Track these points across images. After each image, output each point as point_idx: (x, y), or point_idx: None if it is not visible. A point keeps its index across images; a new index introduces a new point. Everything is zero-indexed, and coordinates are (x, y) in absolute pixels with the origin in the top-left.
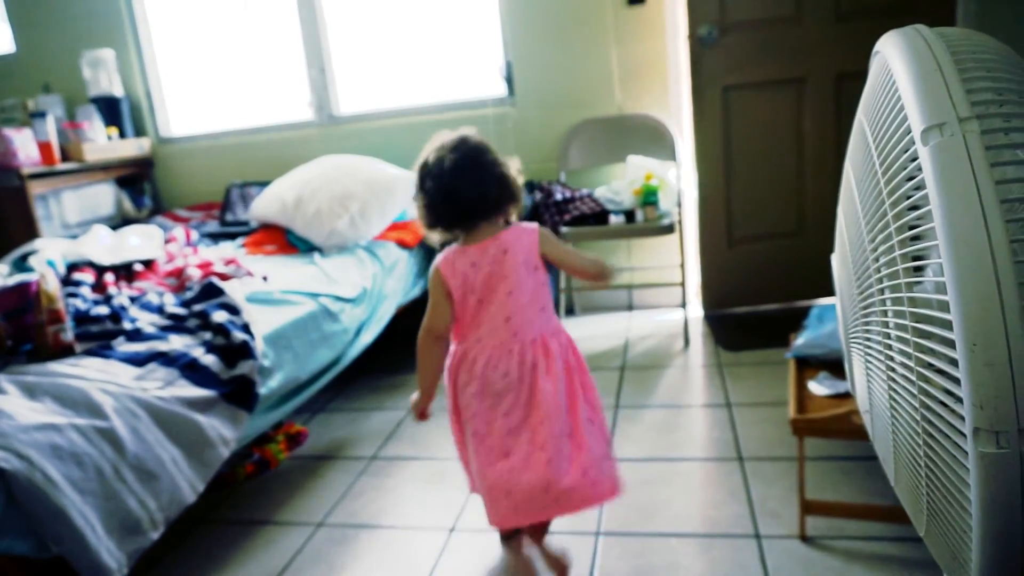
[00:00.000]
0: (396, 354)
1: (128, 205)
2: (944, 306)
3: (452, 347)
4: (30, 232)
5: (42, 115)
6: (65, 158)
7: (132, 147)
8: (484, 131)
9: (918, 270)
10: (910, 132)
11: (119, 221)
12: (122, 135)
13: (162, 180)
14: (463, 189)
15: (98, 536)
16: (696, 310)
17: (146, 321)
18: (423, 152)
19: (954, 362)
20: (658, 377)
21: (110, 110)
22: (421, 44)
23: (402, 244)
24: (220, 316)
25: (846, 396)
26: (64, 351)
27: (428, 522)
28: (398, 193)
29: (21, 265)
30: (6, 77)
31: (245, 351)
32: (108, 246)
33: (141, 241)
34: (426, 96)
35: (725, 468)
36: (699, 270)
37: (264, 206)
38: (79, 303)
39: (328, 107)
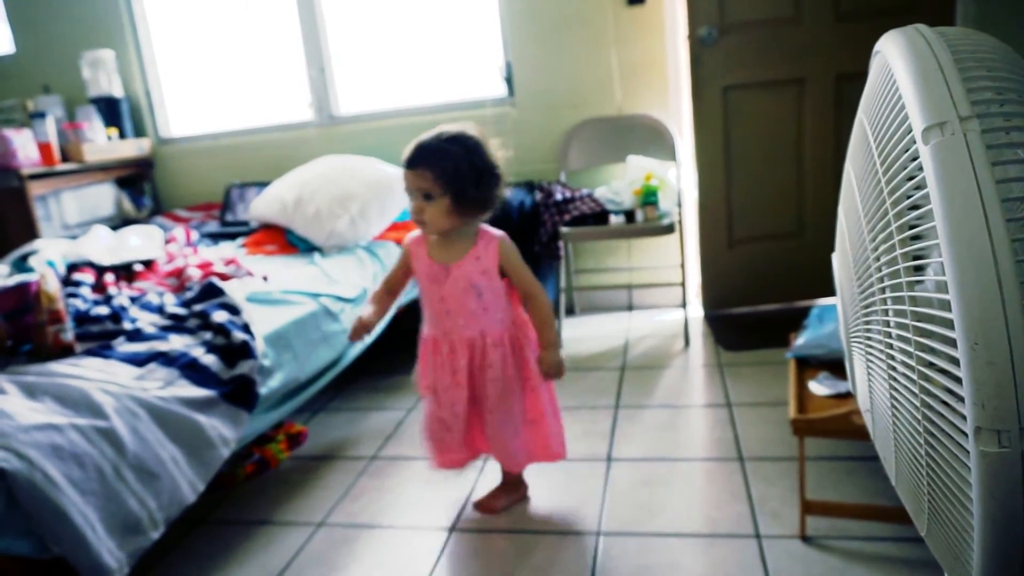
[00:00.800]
0: (396, 355)
1: (128, 205)
2: (945, 305)
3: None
4: (30, 233)
5: (42, 116)
6: (65, 159)
7: (132, 147)
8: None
9: (919, 269)
10: (911, 131)
11: (119, 221)
12: (122, 135)
13: (162, 180)
14: (415, 162)
15: (98, 536)
16: (696, 310)
17: (146, 321)
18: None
19: (955, 361)
20: (658, 377)
21: (110, 111)
22: (421, 44)
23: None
24: (220, 316)
25: (846, 396)
26: (64, 351)
27: (428, 522)
28: (398, 193)
29: (21, 265)
30: (6, 78)
31: (245, 351)
32: (108, 246)
33: (141, 241)
34: (426, 96)
35: (725, 468)
36: (699, 270)
37: (264, 206)
38: (79, 303)
39: (328, 107)
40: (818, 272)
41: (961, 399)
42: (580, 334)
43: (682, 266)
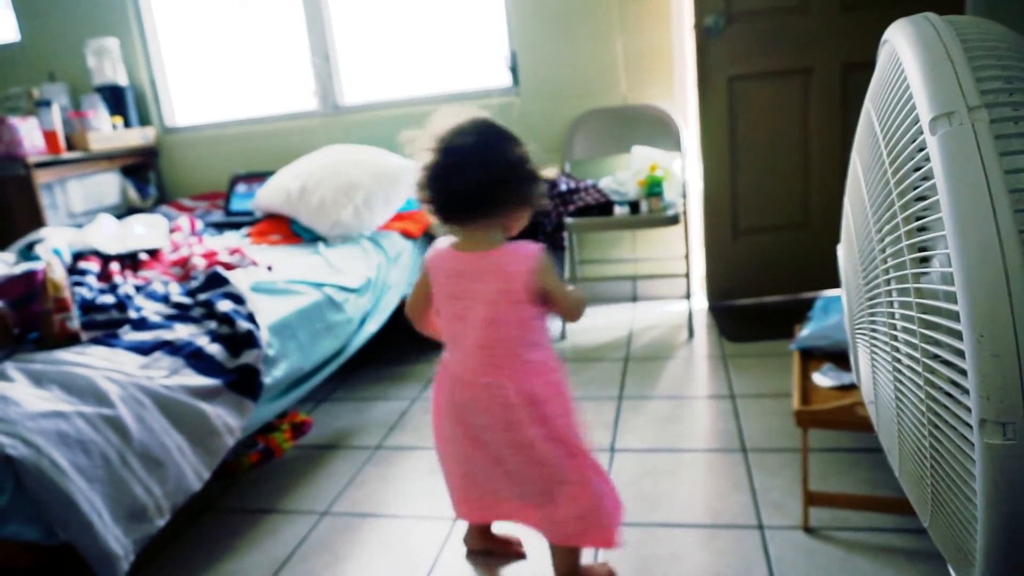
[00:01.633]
0: (400, 344)
1: (133, 194)
2: (951, 297)
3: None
4: (36, 221)
5: (47, 104)
6: (70, 147)
7: (137, 136)
8: None
9: (925, 261)
10: (918, 121)
11: (124, 210)
12: (127, 124)
13: (167, 169)
14: (460, 175)
15: (105, 523)
16: (700, 301)
17: (151, 310)
18: (433, 126)
19: (960, 353)
20: (662, 368)
21: (115, 99)
22: (426, 33)
23: (406, 234)
24: (225, 305)
25: (850, 388)
26: (70, 339)
27: (432, 511)
28: (402, 183)
29: (27, 254)
30: (11, 66)
31: (250, 340)
32: (113, 235)
33: (146, 230)
34: (431, 86)
35: (729, 459)
36: (704, 261)
37: (269, 196)
38: (85, 292)
39: (332, 97)
40: (823, 263)
41: (966, 391)
42: (584, 325)
43: (686, 257)
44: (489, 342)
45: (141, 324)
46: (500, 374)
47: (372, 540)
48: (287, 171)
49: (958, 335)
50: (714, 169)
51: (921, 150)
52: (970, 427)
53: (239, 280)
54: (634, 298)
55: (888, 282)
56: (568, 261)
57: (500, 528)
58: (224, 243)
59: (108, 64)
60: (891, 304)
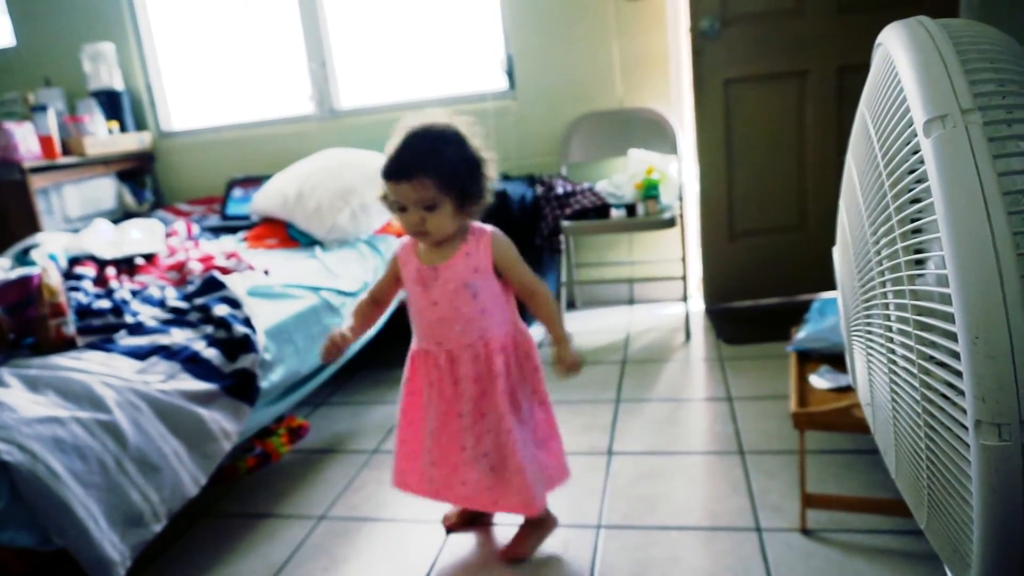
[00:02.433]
0: (397, 348)
1: (129, 199)
2: (946, 299)
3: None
4: (31, 226)
5: (43, 109)
6: (66, 152)
7: (133, 141)
8: (485, 125)
9: (920, 263)
10: (912, 124)
11: (120, 215)
12: (123, 129)
13: (163, 174)
14: (409, 173)
15: (101, 529)
16: (697, 304)
17: (148, 315)
18: (397, 127)
19: (956, 355)
20: (659, 371)
21: (111, 104)
22: (422, 38)
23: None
24: (221, 310)
25: (847, 390)
26: (66, 344)
27: (429, 515)
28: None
29: (23, 259)
30: (6, 71)
31: (246, 345)
32: (109, 240)
33: (142, 235)
34: (427, 90)
35: (726, 461)
36: (700, 264)
37: (265, 200)
38: (81, 297)
39: (329, 101)
40: (819, 266)
41: (961, 393)
42: (581, 328)
43: (683, 260)
44: (465, 308)
45: (137, 329)
46: (478, 331)
47: (369, 544)
48: (284, 175)
49: (953, 337)
50: (710, 172)
51: (915, 152)
52: (966, 429)
53: (236, 284)
54: (631, 301)
55: (883, 284)
56: (565, 264)
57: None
58: (220, 247)
59: (104, 69)
60: (887, 306)
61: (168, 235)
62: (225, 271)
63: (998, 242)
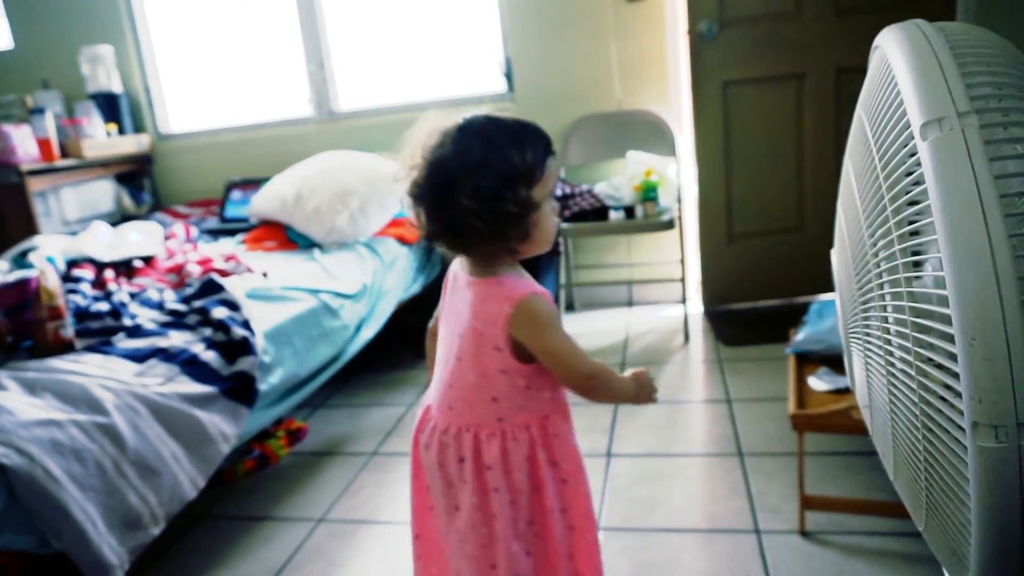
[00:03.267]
0: (396, 350)
1: (127, 201)
2: (943, 301)
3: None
4: (29, 229)
5: (41, 111)
6: (64, 154)
7: (131, 143)
8: None
9: (917, 265)
10: (909, 127)
11: (119, 218)
12: (121, 131)
13: (161, 176)
14: (440, 202)
15: (99, 532)
16: (696, 306)
17: (146, 317)
18: (417, 133)
19: (953, 357)
20: (658, 373)
21: (109, 106)
22: (421, 40)
23: (402, 240)
24: (220, 312)
25: (845, 392)
26: (64, 347)
27: None
28: (397, 189)
29: (21, 262)
30: (4, 73)
31: (245, 347)
32: (108, 243)
33: (141, 237)
34: (426, 92)
35: (725, 464)
36: (699, 266)
37: (264, 202)
38: (79, 299)
39: (327, 103)
40: (818, 267)
41: (959, 394)
42: (580, 330)
43: (682, 262)
44: (454, 382)
45: (136, 331)
46: (459, 422)
47: (368, 547)
48: (282, 177)
49: (950, 339)
50: (709, 174)
51: (912, 155)
52: (963, 430)
53: (234, 287)
54: (630, 303)
55: (881, 286)
56: (564, 267)
57: None
58: (219, 250)
59: (102, 71)
60: (884, 308)
61: (166, 237)
62: (224, 273)
63: (995, 244)
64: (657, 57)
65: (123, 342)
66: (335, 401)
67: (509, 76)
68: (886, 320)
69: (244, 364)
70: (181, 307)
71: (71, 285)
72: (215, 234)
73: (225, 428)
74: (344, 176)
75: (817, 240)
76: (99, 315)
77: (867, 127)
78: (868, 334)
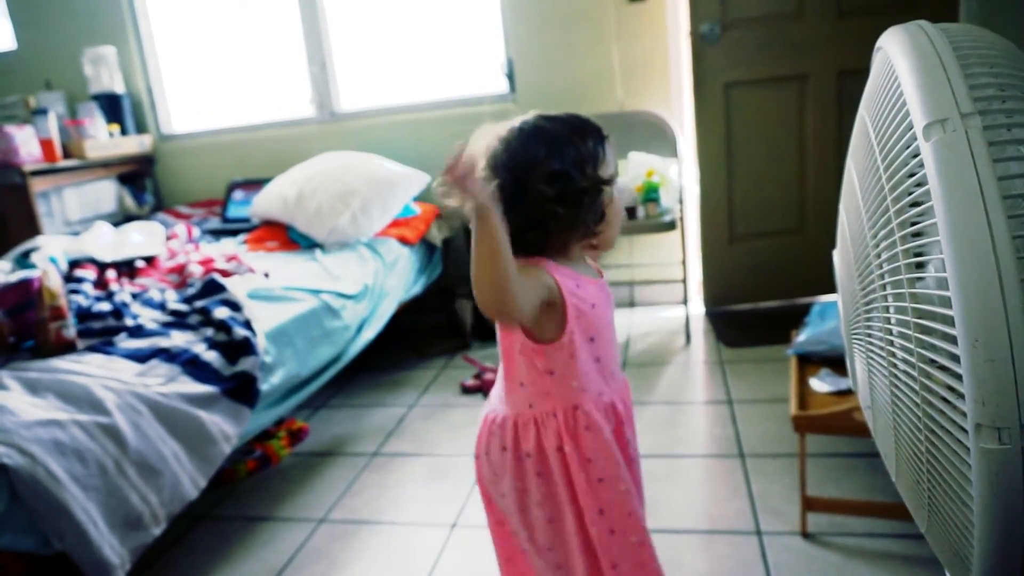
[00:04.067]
0: (398, 351)
1: (130, 202)
2: (946, 302)
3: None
4: (32, 229)
5: (43, 112)
6: (67, 155)
7: (134, 144)
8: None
9: (920, 266)
10: (912, 128)
11: (121, 218)
12: (124, 132)
13: (163, 177)
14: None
15: (100, 532)
16: (697, 307)
17: (148, 318)
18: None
19: (956, 358)
20: (659, 374)
21: (111, 107)
22: (423, 40)
23: (403, 241)
24: (222, 312)
25: (847, 393)
26: (66, 347)
27: (429, 518)
28: (399, 190)
29: (23, 262)
30: (7, 74)
31: (247, 347)
32: (110, 243)
33: (143, 238)
34: (428, 93)
35: (726, 465)
36: (701, 267)
37: (266, 203)
38: (81, 300)
39: (329, 104)
40: (820, 268)
41: (961, 396)
42: None
43: (683, 263)
44: (502, 373)
45: (137, 332)
46: (504, 412)
47: (369, 547)
48: (284, 178)
49: (953, 340)
50: (710, 175)
51: (915, 156)
52: (966, 432)
53: (236, 287)
54: (631, 304)
55: (883, 287)
56: None
57: None
58: (221, 250)
59: (105, 72)
60: (887, 309)
61: (168, 238)
62: (225, 274)
63: (998, 246)
64: (659, 58)
65: (125, 342)
66: (336, 401)
67: (511, 77)
68: (888, 321)
69: (246, 364)
70: (183, 307)
71: (73, 285)
72: (217, 234)
73: (226, 428)
74: (346, 177)
75: (819, 241)
76: (101, 315)
77: (870, 128)
78: (870, 335)
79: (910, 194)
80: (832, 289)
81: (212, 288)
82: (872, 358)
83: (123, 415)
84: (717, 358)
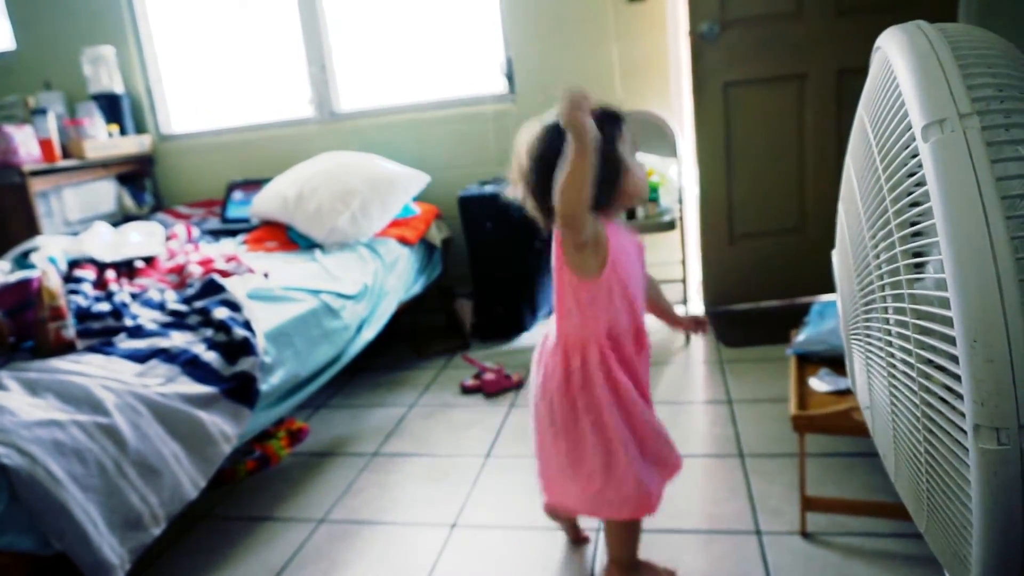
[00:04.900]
0: (397, 351)
1: (129, 202)
2: (944, 303)
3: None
4: (31, 229)
5: (43, 112)
6: (66, 155)
7: (133, 144)
8: (484, 128)
9: (919, 266)
10: (911, 128)
11: (120, 218)
12: (123, 132)
13: (163, 177)
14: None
15: (100, 532)
16: (697, 306)
17: (147, 318)
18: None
19: (954, 358)
20: (659, 373)
21: (111, 107)
22: (422, 41)
23: (403, 241)
24: (221, 313)
25: (847, 392)
26: (66, 348)
27: (429, 518)
28: (399, 190)
29: (23, 262)
30: (7, 74)
31: (246, 348)
32: (109, 243)
33: (142, 238)
34: (427, 93)
35: (726, 464)
36: (700, 266)
37: (265, 203)
38: (80, 300)
39: (329, 104)
40: (819, 268)
41: (960, 396)
42: None
43: (683, 262)
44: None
45: (137, 332)
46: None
47: (369, 548)
48: (283, 178)
49: (952, 341)
50: (710, 174)
51: (914, 156)
52: (964, 432)
53: (235, 287)
54: None
55: (882, 288)
56: None
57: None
58: (220, 250)
59: (104, 72)
60: (885, 309)
61: (168, 238)
62: (225, 274)
63: (996, 246)
64: (658, 58)
65: (124, 342)
66: (336, 402)
67: (510, 77)
68: (887, 321)
69: (245, 364)
70: (182, 307)
71: (72, 285)
72: (216, 234)
73: (226, 428)
74: (345, 177)
75: (818, 241)
76: (100, 315)
77: (868, 128)
78: (869, 335)
79: (909, 194)
80: (832, 288)
81: (211, 288)
82: (871, 358)
83: (123, 415)
84: (717, 358)
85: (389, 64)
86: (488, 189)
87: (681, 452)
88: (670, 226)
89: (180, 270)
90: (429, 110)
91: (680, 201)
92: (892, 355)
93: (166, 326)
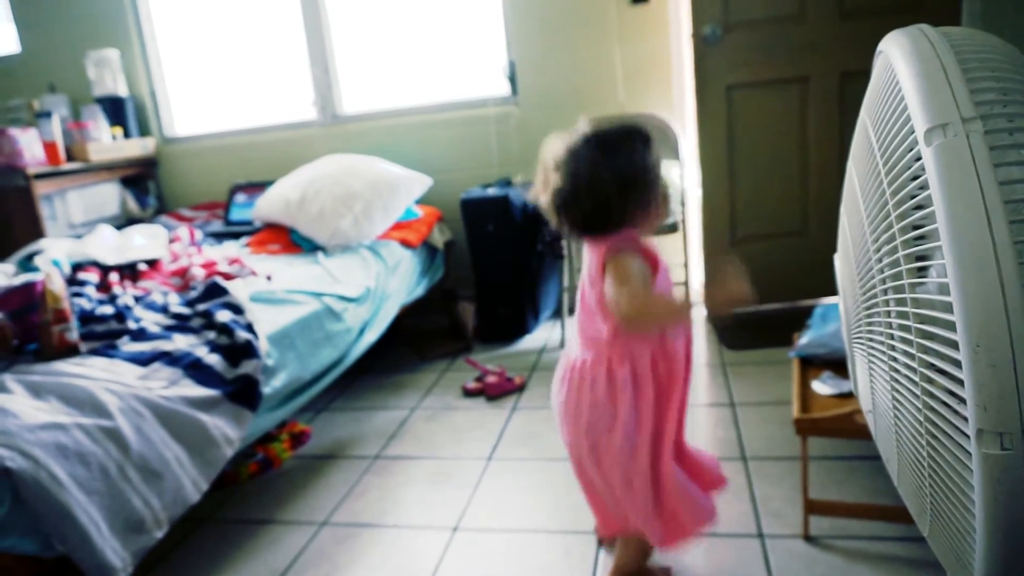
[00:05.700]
0: (400, 353)
1: (133, 205)
2: (947, 307)
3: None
4: (35, 232)
5: (47, 115)
6: (70, 158)
7: (137, 147)
8: (487, 130)
9: (921, 270)
10: (913, 132)
11: (124, 221)
12: (127, 135)
13: (166, 180)
14: (576, 200)
15: (103, 535)
16: (699, 309)
17: (150, 321)
18: (547, 153)
19: (957, 363)
20: None
21: (115, 110)
22: (425, 43)
23: (405, 244)
24: (224, 316)
25: (850, 396)
26: (69, 351)
27: (431, 521)
28: (401, 192)
29: (26, 265)
30: (11, 77)
31: (249, 350)
32: (113, 246)
33: (145, 241)
34: (430, 95)
35: (728, 467)
36: (702, 269)
37: (268, 206)
38: (84, 303)
39: (332, 107)
40: (822, 271)
41: (963, 401)
42: None
43: (685, 265)
44: (580, 322)
45: (140, 335)
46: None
47: (372, 550)
48: (286, 181)
49: (955, 345)
50: (712, 177)
51: (917, 160)
52: (967, 437)
53: (238, 290)
54: None
55: (885, 292)
56: (567, 270)
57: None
58: (223, 253)
59: (108, 75)
60: (888, 313)
61: (171, 241)
62: (228, 277)
63: (999, 251)
64: (661, 61)
65: (127, 345)
66: (338, 404)
67: (513, 80)
68: (889, 325)
69: (248, 367)
70: (185, 310)
71: (76, 288)
72: (219, 237)
73: (228, 431)
74: (348, 180)
75: (821, 244)
76: (104, 318)
77: (871, 132)
78: (871, 339)
79: (912, 198)
80: (835, 291)
81: (214, 291)
82: (873, 361)
83: (125, 418)
84: (719, 360)
85: (392, 67)
86: (490, 192)
87: None
88: (672, 229)
89: (183, 273)
90: (431, 113)
91: (682, 204)
92: (894, 358)
93: (169, 329)
